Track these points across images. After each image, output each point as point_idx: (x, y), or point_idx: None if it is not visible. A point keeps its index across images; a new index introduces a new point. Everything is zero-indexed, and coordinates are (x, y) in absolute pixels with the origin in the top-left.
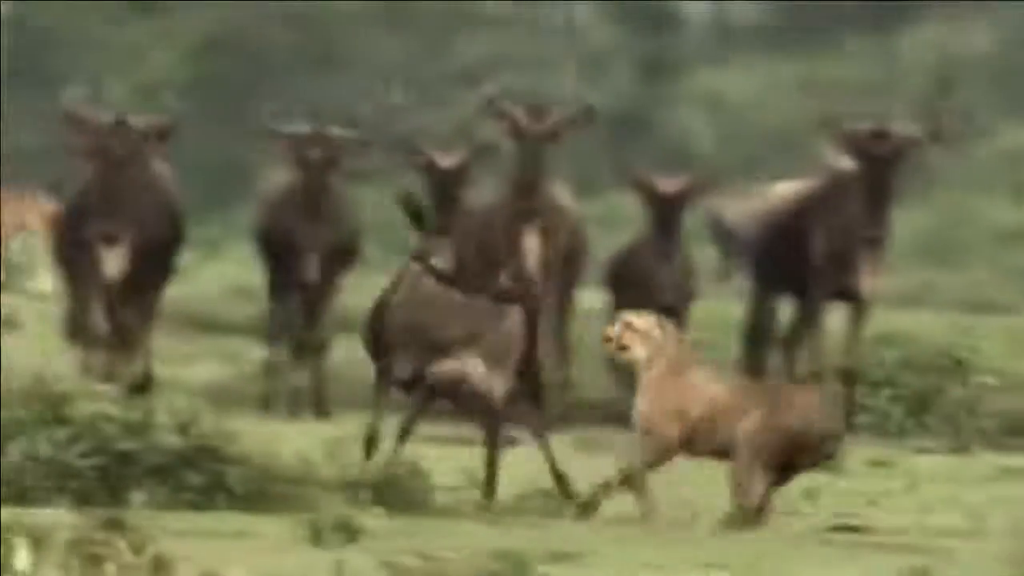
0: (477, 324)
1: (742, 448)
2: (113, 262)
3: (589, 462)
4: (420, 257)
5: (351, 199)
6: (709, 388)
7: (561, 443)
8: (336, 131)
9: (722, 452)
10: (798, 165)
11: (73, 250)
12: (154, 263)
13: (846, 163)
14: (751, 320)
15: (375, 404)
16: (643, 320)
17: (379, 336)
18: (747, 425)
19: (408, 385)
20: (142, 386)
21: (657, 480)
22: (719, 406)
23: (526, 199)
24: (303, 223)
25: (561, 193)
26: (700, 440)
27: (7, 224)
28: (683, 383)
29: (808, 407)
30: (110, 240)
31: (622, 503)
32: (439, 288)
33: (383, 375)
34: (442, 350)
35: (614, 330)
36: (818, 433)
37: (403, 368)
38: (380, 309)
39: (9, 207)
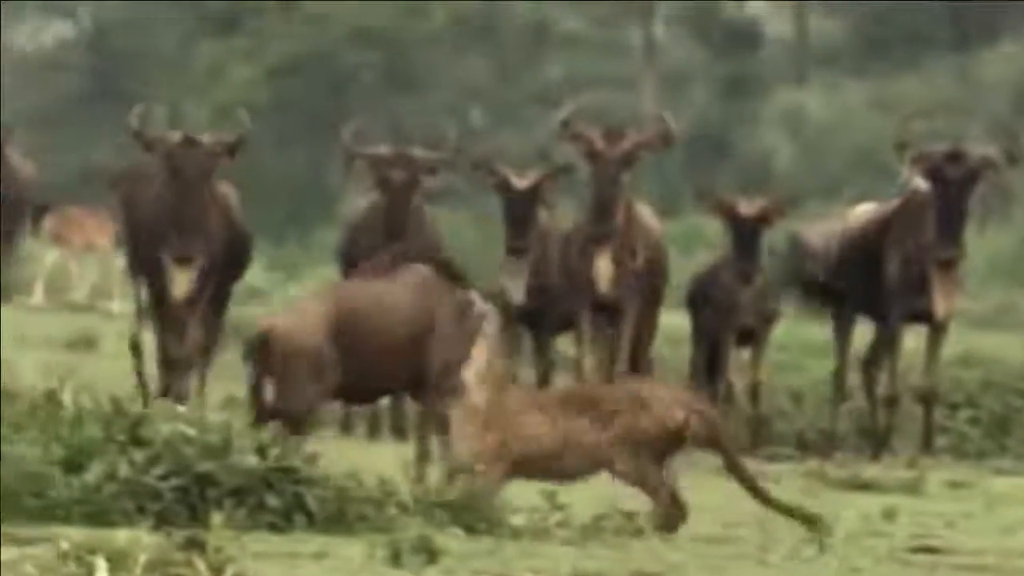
0: None
1: (621, 457)
2: (183, 282)
3: None
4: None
5: (433, 219)
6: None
7: None
8: (418, 152)
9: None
10: (877, 185)
11: (142, 270)
12: (220, 283)
13: (922, 184)
14: (836, 341)
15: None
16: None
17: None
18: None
19: None
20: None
21: (739, 501)
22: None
23: (601, 221)
24: (385, 244)
25: (642, 212)
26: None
27: (78, 243)
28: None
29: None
30: (184, 261)
31: (703, 523)
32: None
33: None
34: None
35: None
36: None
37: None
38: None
39: (80, 226)
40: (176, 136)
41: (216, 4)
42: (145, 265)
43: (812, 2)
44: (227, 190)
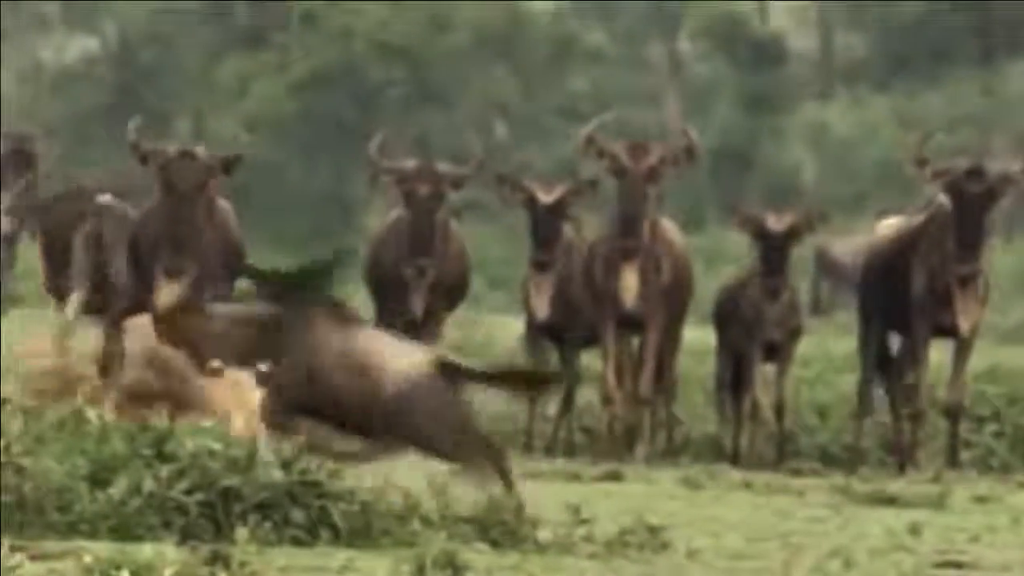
0: None
1: None
2: (168, 295)
3: (694, 499)
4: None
5: (458, 234)
6: None
7: (666, 480)
8: (443, 166)
9: None
10: (902, 200)
11: (138, 282)
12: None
13: (946, 200)
14: (861, 355)
15: None
16: None
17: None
18: None
19: None
20: None
21: (763, 516)
22: None
23: (627, 236)
24: (410, 258)
25: (667, 227)
26: None
27: None
28: None
29: None
30: (172, 274)
31: (728, 538)
32: None
33: None
34: None
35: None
36: None
37: None
38: None
39: None
40: (172, 149)
41: (241, 19)
42: (141, 278)
43: (837, 14)
44: (223, 203)
